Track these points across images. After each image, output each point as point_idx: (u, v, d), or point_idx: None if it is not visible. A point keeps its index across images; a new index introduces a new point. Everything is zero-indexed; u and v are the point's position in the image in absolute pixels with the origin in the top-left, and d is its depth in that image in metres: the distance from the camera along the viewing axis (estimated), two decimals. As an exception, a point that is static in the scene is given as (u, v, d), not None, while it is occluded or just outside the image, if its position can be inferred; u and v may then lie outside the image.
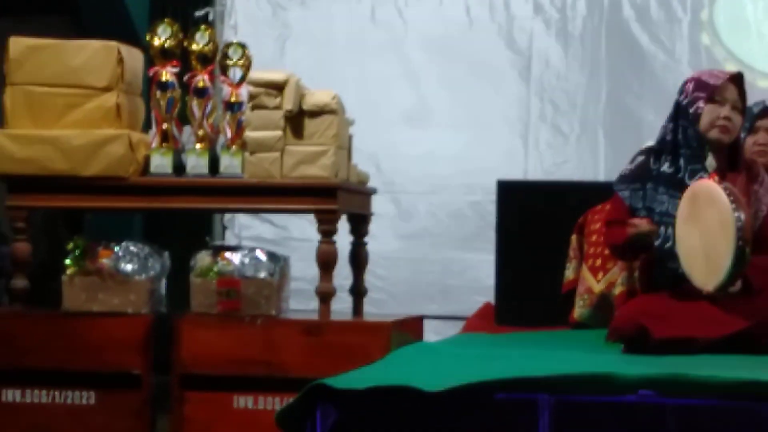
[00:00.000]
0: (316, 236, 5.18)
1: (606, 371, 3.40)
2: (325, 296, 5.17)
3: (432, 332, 6.22)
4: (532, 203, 5.58)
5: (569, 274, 5.22)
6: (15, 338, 5.11)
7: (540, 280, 5.37)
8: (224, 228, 7.35)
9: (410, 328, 5.51)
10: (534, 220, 5.52)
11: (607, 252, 4.89)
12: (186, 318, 5.12)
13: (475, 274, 6.81)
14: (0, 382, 5.12)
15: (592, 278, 5.10)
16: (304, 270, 5.96)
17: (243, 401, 5.05)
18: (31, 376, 5.11)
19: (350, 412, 3.43)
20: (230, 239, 7.27)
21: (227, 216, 7.25)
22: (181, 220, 7.85)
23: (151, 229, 9.67)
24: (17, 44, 5.35)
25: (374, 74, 7.15)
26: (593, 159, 7.06)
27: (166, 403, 5.12)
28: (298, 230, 6.96)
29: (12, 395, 5.12)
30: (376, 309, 6.12)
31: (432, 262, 7.05)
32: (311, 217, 5.25)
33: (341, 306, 5.56)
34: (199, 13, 7.49)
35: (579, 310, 5.11)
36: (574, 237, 5.23)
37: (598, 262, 5.10)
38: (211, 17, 7.44)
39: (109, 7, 10.51)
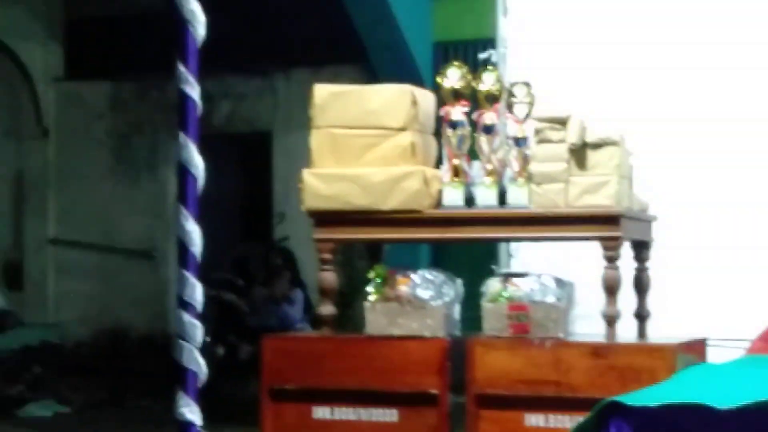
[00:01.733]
0: (597, 263, 5.16)
1: None
2: (611, 319, 5.15)
3: (715, 354, 6.07)
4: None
5: None
6: (324, 360, 5.28)
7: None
8: (509, 256, 7.38)
9: (694, 350, 5.41)
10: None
11: None
12: (479, 341, 5.17)
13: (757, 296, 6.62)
14: (312, 400, 5.29)
15: None
16: (587, 295, 5.92)
17: (534, 419, 5.06)
18: (339, 395, 5.26)
19: (643, 429, 3.40)
20: (515, 267, 7.30)
21: (512, 244, 7.29)
22: (466, 248, 7.95)
23: (438, 258, 9.83)
24: (321, 91, 5.54)
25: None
26: None
27: (462, 421, 5.18)
28: (580, 257, 6.92)
29: (322, 413, 5.29)
30: (658, 332, 6.02)
31: (712, 285, 6.89)
32: (591, 244, 5.23)
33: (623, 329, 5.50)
34: (483, 56, 7.58)
35: None
36: None
37: None
38: (494, 59, 7.51)
39: (396, 55, 10.78)
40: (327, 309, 5.43)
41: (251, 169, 13.46)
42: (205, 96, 3.93)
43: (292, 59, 12.75)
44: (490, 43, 7.87)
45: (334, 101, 5.48)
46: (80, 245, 13.57)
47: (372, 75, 10.89)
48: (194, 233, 4.23)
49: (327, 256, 5.42)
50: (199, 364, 4.22)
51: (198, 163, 4.22)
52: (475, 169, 5.41)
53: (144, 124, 13.48)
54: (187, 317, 4.21)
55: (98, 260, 13.55)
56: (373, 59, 11.03)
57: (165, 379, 9.77)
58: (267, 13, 12.59)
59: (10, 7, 13.19)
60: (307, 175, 5.45)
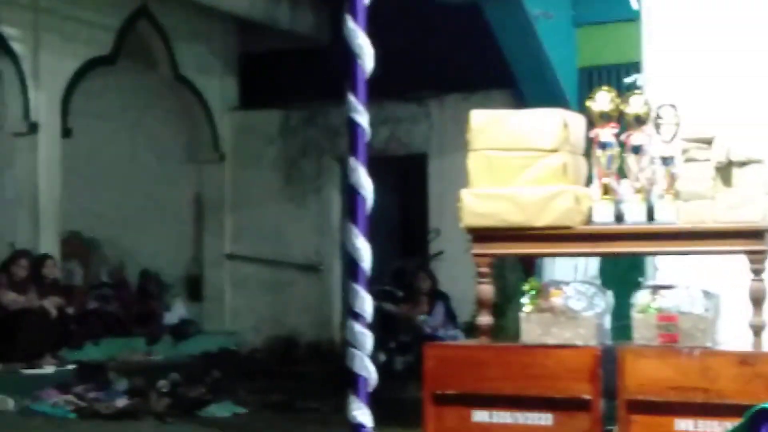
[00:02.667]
0: (740, 275, 5.04)
1: None
2: (758, 329, 5.01)
3: None
4: None
5: None
6: (483, 367, 5.25)
7: None
8: (655, 269, 7.23)
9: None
10: None
11: None
12: (630, 349, 5.09)
13: None
14: (471, 404, 5.27)
15: None
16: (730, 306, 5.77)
17: (684, 424, 4.96)
18: (497, 400, 5.22)
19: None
20: (660, 279, 7.16)
21: (658, 257, 7.14)
22: (611, 262, 7.81)
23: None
24: (477, 116, 5.53)
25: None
26: None
27: (614, 426, 5.10)
28: (721, 270, 6.75)
29: (481, 416, 5.26)
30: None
31: None
32: (735, 257, 5.10)
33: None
34: (628, 80, 7.47)
35: None
36: None
37: None
38: (639, 82, 7.39)
39: (543, 80, 10.70)
40: (484, 319, 5.41)
41: (408, 188, 13.52)
42: (367, 121, 3.96)
43: (445, 86, 12.78)
44: (633, 67, 7.75)
45: (490, 125, 5.46)
46: (254, 260, 13.80)
47: (520, 100, 10.84)
48: (364, 249, 4.27)
49: (484, 269, 5.40)
50: (369, 370, 4.25)
51: (367, 185, 4.27)
52: (624, 187, 5.33)
53: (311, 148, 13.66)
54: (357, 327, 4.25)
55: (270, 274, 13.76)
56: (521, 85, 10.97)
57: (331, 383, 9.88)
58: (422, 44, 12.65)
59: (192, 44, 13.53)
60: (465, 195, 5.44)
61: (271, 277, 13.73)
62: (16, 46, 11.60)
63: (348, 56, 4.22)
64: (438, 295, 11.57)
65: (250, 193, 13.89)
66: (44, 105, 11.85)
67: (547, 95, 10.25)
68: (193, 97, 13.78)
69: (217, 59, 13.97)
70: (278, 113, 13.83)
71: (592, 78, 10.75)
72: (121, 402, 9.54)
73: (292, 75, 13.74)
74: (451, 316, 11.50)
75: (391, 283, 11.81)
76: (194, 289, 14.09)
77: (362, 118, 4.28)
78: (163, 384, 10.23)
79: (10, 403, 9.26)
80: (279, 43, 13.77)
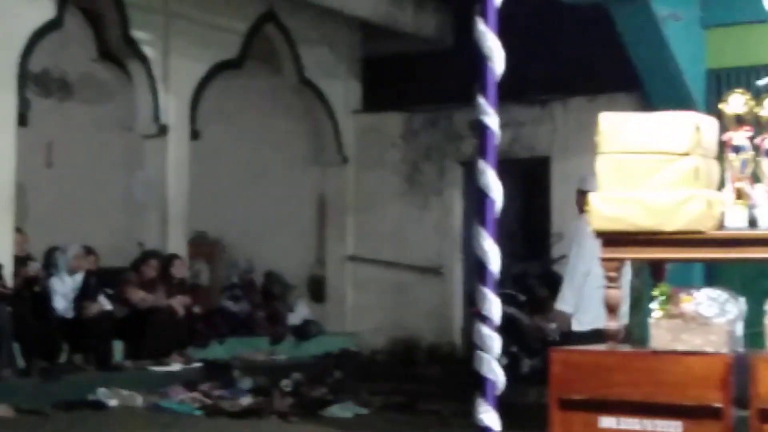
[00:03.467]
0: None
1: None
2: None
3: None
4: None
5: None
6: (610, 373, 5.17)
7: None
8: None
9: None
10: None
11: None
12: (763, 357, 4.96)
13: None
14: (598, 410, 5.19)
15: None
16: None
17: (819, 435, 4.81)
18: (625, 406, 5.14)
19: None
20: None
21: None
22: (739, 267, 7.66)
23: (712, 277, 9.52)
24: (606, 119, 5.44)
25: None
26: None
27: (746, 435, 4.98)
28: None
29: (608, 422, 5.18)
30: None
31: None
32: None
33: None
34: (760, 83, 7.28)
35: None
36: None
37: None
38: (772, 85, 7.20)
39: (670, 82, 10.52)
40: (612, 324, 5.33)
41: (530, 192, 13.43)
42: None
43: (569, 88, 12.67)
44: (764, 69, 7.57)
45: (619, 128, 5.38)
46: (375, 262, 13.87)
47: (646, 102, 10.68)
48: (492, 253, 4.26)
49: (613, 274, 5.32)
50: (496, 374, 4.24)
51: (496, 188, 4.25)
52: (758, 191, 5.20)
53: (433, 151, 13.67)
54: (485, 330, 4.23)
55: (391, 276, 13.81)
56: (647, 87, 10.81)
57: (453, 386, 9.87)
58: (545, 45, 12.56)
59: (316, 48, 13.66)
60: (594, 199, 5.37)
61: (392, 279, 13.78)
62: (147, 50, 11.87)
63: (477, 59, 4.21)
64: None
65: (373, 195, 13.96)
66: (173, 107, 12.10)
67: (674, 98, 10.08)
68: (317, 100, 13.91)
69: (341, 62, 14.08)
70: (401, 116, 13.87)
71: (720, 80, 10.54)
72: (246, 400, 9.67)
73: (414, 78, 13.78)
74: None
75: (513, 287, 11.75)
76: (317, 290, 14.22)
77: (492, 120, 4.25)
78: (286, 383, 10.36)
79: (139, 400, 9.46)
80: (402, 46, 13.83)
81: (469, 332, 11.22)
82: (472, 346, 4.25)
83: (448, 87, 12.97)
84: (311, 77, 13.70)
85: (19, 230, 10.21)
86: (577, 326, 8.14)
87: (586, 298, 8.03)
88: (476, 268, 4.25)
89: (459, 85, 13.35)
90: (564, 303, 8.32)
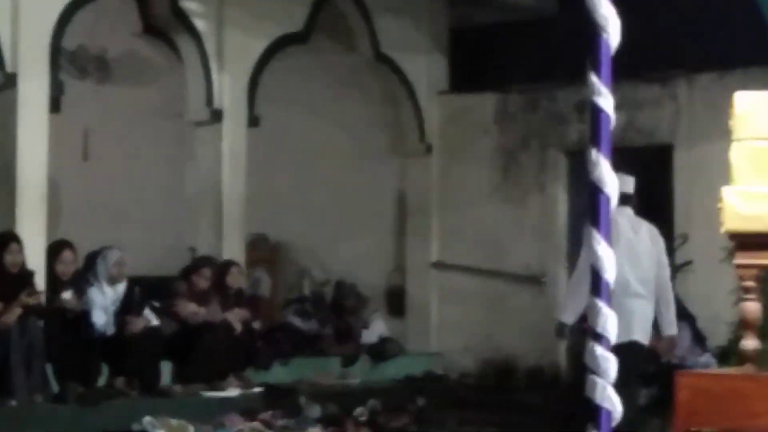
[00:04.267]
0: None
1: None
2: None
3: None
4: None
5: None
6: (748, 400, 5.13)
7: None
8: None
9: None
10: None
11: None
12: None
13: None
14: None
15: None
16: None
17: None
18: (765, 439, 5.10)
19: None
20: None
21: None
22: None
23: None
24: (742, 99, 5.40)
25: None
26: None
27: None
28: None
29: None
30: None
31: None
32: None
33: None
34: None
35: None
36: None
37: None
38: None
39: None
40: (750, 343, 5.29)
41: (648, 185, 13.31)
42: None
43: (695, 63, 12.55)
44: None
45: (759, 110, 5.33)
46: (465, 269, 13.86)
47: (787, 78, 10.56)
48: (606, 258, 4.23)
49: (750, 283, 5.28)
50: (612, 402, 4.21)
51: (611, 182, 4.22)
52: None
53: (532, 138, 13.63)
54: (600, 350, 4.20)
55: (483, 285, 13.79)
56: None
57: (556, 416, 9.82)
58: (666, 13, 12.45)
59: (393, 18, 13.68)
60: (728, 194, 5.32)
61: (484, 289, 13.76)
62: (199, 24, 11.98)
63: (588, 29, 4.19)
64: (682, 315, 11.34)
65: (461, 191, 13.95)
66: (229, 90, 12.20)
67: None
68: (396, 79, 13.94)
69: (423, 35, 14.10)
70: (494, 97, 13.84)
71: None
72: (314, 431, 9.73)
73: (510, 52, 13.74)
74: (698, 339, 11.29)
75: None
76: (395, 302, 14.25)
77: (606, 102, 4.21)
78: (360, 412, 10.40)
79: (191, 430, 9.56)
80: (495, 16, 13.79)
81: (577, 353, 11.16)
82: (581, 369, 4.23)
83: (550, 63, 12.90)
84: (389, 53, 13.72)
85: (70, 246, 10.16)
86: None
87: (618, 307, 8.14)
88: (591, 277, 4.22)
89: (564, 60, 13.37)
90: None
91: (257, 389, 10.91)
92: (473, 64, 14.06)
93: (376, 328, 13.30)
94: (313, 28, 12.91)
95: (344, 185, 14.28)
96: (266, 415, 10.08)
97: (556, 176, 13.46)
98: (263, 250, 14.02)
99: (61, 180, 12.14)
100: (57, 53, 10.63)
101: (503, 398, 12.27)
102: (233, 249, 12.11)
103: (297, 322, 12.67)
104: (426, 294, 14.12)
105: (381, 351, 12.97)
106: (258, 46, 12.45)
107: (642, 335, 8.46)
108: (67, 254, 10.12)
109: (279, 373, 11.62)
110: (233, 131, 12.27)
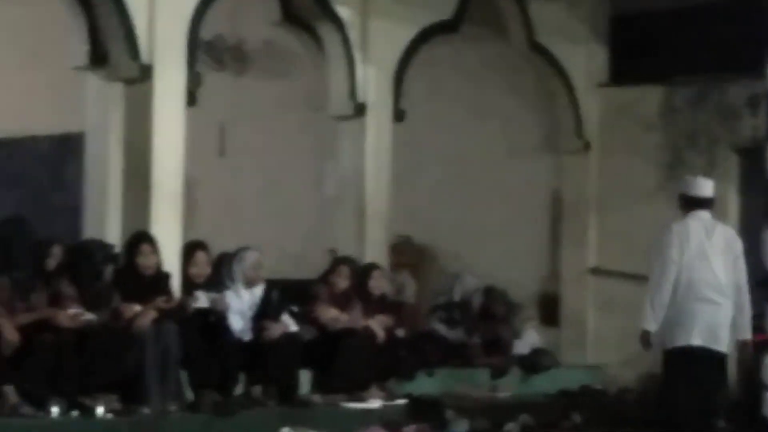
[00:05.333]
0: None
1: None
2: None
3: None
4: None
5: None
6: None
7: None
8: None
9: None
10: None
11: None
12: None
13: None
14: None
15: None
16: None
17: None
18: None
19: None
20: None
21: None
22: None
23: None
24: None
25: None
26: None
27: None
28: None
29: None
30: None
31: None
32: None
33: None
34: None
35: None
36: None
37: None
38: None
39: None
40: None
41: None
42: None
43: None
44: None
45: None
46: (624, 276, 13.74)
47: None
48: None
49: None
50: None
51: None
52: None
53: (699, 134, 13.50)
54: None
55: (645, 293, 13.65)
56: None
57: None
58: None
59: (549, 4, 13.65)
60: None
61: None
62: (342, 12, 12.05)
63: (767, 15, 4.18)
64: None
65: (621, 191, 13.87)
66: (373, 82, 12.27)
67: None
68: (552, 70, 13.91)
69: (582, 23, 14.04)
70: (659, 90, 13.74)
71: None
72: (462, 447, 9.78)
73: (676, 41, 13.62)
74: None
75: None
76: (549, 311, 14.21)
77: (786, 96, 4.22)
78: (511, 427, 10.42)
79: (329, 444, 9.65)
80: (660, 2, 13.68)
81: (748, 367, 11.01)
82: (753, 384, 4.23)
83: (721, 52, 12.75)
84: (544, 42, 13.69)
85: (204, 248, 10.24)
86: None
87: (681, 311, 9.01)
88: (762, 285, 4.23)
89: (737, 49, 13.17)
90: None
91: (400, 401, 10.94)
92: (636, 54, 13.96)
93: (529, 339, 13.27)
94: (464, 16, 12.92)
95: (494, 184, 14.29)
96: (410, 428, 10.11)
97: (726, 176, 13.28)
98: (407, 253, 14.08)
99: (196, 177, 12.29)
100: (194, 44, 10.77)
101: (666, 416, 12.14)
102: (376, 251, 12.17)
103: (442, 330, 12.71)
104: (582, 302, 14.07)
105: (533, 363, 12.94)
106: (404, 36, 12.50)
107: (707, 340, 8.95)
108: (200, 256, 10.21)
109: (424, 385, 11.65)
110: (377, 126, 12.34)
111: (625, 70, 14.06)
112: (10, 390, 8.36)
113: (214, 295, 9.90)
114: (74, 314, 8.84)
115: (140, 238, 9.81)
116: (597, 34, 14.16)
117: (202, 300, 9.87)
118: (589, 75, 14.09)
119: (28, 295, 8.86)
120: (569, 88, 13.98)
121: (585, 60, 14.07)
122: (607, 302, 13.88)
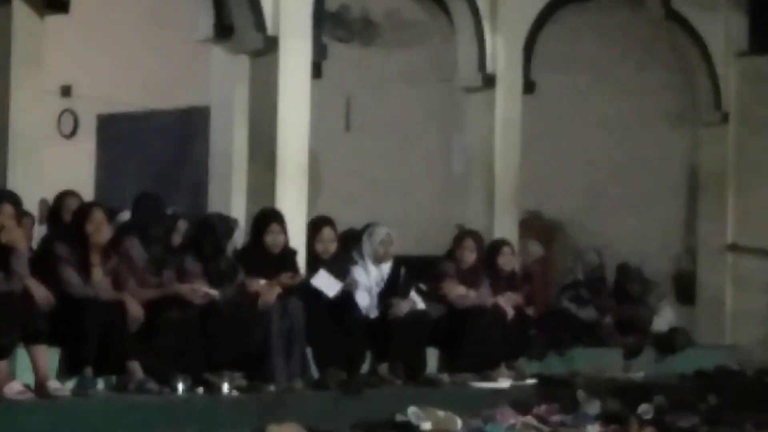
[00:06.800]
0: None
1: None
2: None
3: None
4: None
5: None
6: None
7: None
8: None
9: None
10: None
11: None
12: None
13: None
14: None
15: None
16: None
17: None
18: None
19: None
20: None
21: None
22: None
23: None
24: None
25: None
26: None
27: None
28: None
29: None
30: None
31: None
32: None
33: None
34: None
35: None
36: None
37: None
38: None
39: None
40: None
41: None
42: None
43: None
44: None
45: None
46: (764, 253, 13.62)
47: None
48: None
49: None
50: None
51: None
52: None
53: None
54: None
55: (783, 272, 13.58)
56: None
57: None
58: None
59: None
60: None
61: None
62: (471, -21, 12.08)
63: None
64: None
65: (761, 165, 13.73)
66: (503, 53, 12.24)
67: None
68: (689, 39, 13.77)
69: (721, -11, 13.91)
70: (801, 60, 13.59)
71: None
72: (593, 429, 9.73)
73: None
74: None
75: None
76: (684, 289, 14.11)
77: None
78: (645, 409, 10.33)
79: (458, 423, 9.65)
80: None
81: None
82: None
83: None
84: (681, 9, 13.55)
85: (331, 223, 10.19)
86: None
87: None
88: None
89: None
90: None
91: (530, 381, 10.95)
92: (777, 23, 13.81)
93: (665, 317, 13.17)
94: (597, -17, 12.87)
95: (628, 158, 14.21)
96: (540, 409, 10.09)
97: None
98: (538, 230, 14.03)
99: (322, 151, 12.38)
100: (320, 15, 10.80)
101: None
102: (506, 227, 12.16)
103: (573, 308, 12.65)
104: (719, 280, 13.95)
105: (669, 342, 12.84)
106: (535, 5, 12.45)
107: None
108: (327, 232, 10.24)
109: (554, 364, 11.64)
110: (507, 98, 12.31)
111: (765, 38, 13.89)
112: (136, 366, 8.49)
113: (330, 278, 9.93)
114: (200, 291, 8.95)
115: (271, 217, 9.82)
116: (736, 2, 13.99)
117: (323, 280, 9.89)
118: (727, 44, 13.93)
119: (161, 270, 9.03)
120: (707, 58, 13.83)
121: (723, 28, 13.91)
122: (745, 280, 13.77)
